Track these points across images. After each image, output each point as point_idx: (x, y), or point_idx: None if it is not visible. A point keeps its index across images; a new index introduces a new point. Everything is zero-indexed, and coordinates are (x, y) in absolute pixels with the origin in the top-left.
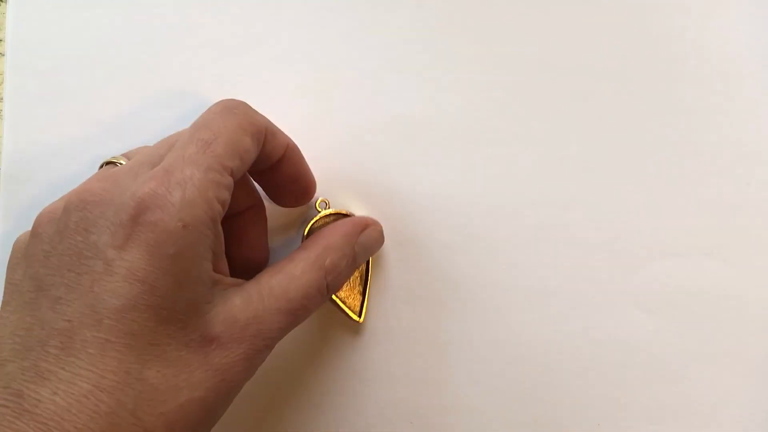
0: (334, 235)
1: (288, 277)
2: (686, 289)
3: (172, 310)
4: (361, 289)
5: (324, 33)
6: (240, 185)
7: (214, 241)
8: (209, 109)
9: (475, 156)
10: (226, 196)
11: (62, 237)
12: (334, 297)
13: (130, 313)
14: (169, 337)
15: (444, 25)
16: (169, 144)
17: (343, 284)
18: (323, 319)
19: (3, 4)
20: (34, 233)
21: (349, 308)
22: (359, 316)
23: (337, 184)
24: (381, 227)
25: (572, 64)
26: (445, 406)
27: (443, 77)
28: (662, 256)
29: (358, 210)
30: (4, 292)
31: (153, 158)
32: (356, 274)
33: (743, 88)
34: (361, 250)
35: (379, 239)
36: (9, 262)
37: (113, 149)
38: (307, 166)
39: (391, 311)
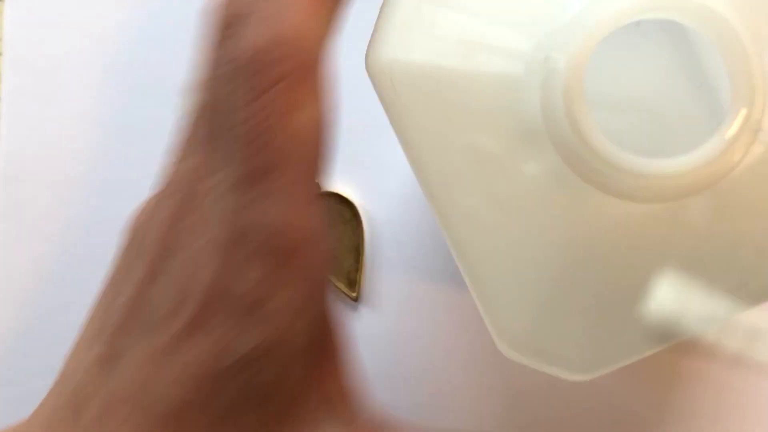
0: None
1: None
2: None
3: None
4: (356, 265)
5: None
6: None
7: (309, 346)
8: None
9: None
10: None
11: (129, 272)
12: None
13: (178, 423)
14: None
15: None
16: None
17: None
18: None
19: (0, 2)
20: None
21: (345, 285)
22: (354, 292)
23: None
24: None
25: None
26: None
27: None
28: None
29: (354, 188)
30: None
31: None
32: (352, 247)
33: None
34: None
35: None
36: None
37: (113, 149)
38: None
39: (387, 286)
